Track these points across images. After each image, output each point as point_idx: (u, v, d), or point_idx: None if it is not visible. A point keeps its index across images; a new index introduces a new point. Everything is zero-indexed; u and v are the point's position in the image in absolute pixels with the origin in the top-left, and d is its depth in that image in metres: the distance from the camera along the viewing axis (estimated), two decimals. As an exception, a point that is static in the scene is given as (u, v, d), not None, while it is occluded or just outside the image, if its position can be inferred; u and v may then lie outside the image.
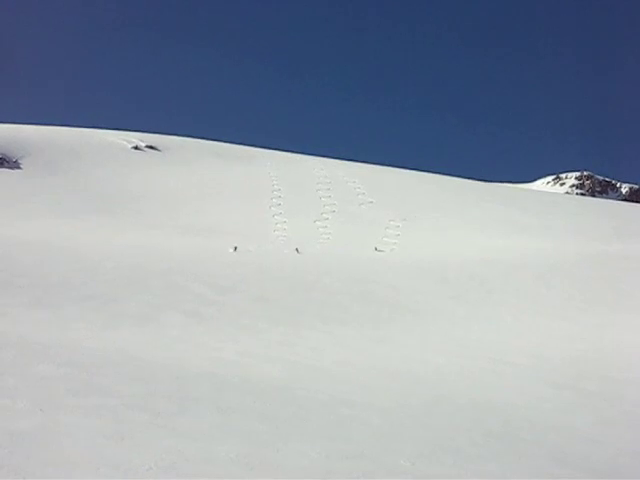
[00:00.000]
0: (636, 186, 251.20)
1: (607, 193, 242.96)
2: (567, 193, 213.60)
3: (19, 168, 58.15)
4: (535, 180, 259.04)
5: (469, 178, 76.04)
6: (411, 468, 8.34)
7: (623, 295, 27.93)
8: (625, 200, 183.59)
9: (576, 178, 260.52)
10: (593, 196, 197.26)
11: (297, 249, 35.58)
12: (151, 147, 71.36)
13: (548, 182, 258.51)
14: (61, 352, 12.68)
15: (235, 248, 33.73)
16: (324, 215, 50.40)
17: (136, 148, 69.94)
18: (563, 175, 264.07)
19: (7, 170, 56.81)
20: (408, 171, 73.81)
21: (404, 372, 15.57)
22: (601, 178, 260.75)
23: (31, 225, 37.84)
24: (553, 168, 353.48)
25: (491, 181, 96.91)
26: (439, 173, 74.64)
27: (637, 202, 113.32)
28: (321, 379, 13.80)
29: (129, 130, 78.06)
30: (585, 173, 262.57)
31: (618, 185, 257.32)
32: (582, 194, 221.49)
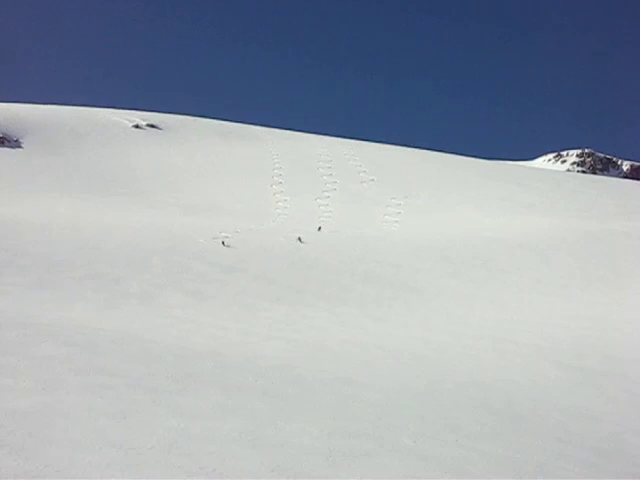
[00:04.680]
0: (637, 163, 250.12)
1: (608, 170, 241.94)
2: (568, 171, 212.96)
3: (20, 147, 58.00)
4: (536, 158, 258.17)
5: (470, 156, 75.87)
6: (413, 446, 8.34)
7: (624, 273, 27.90)
8: (626, 177, 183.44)
9: (577, 155, 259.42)
10: (594, 173, 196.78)
11: (300, 238, 32.17)
12: (152, 126, 71.10)
13: (549, 160, 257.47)
14: (63, 331, 12.67)
15: (223, 242, 29.71)
16: (325, 193, 50.27)
17: (137, 127, 69.68)
18: (564, 152, 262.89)
19: (8, 149, 56.67)
20: (409, 149, 73.59)
21: (406, 351, 15.57)
22: (602, 155, 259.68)
23: (32, 204, 37.78)
24: (554, 145, 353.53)
25: (492, 159, 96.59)
26: (440, 151, 74.48)
27: (638, 179, 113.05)
28: (323, 358, 13.80)
29: (130, 109, 77.82)
30: (586, 150, 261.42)
31: (619, 162, 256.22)
32: (583, 172, 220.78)
